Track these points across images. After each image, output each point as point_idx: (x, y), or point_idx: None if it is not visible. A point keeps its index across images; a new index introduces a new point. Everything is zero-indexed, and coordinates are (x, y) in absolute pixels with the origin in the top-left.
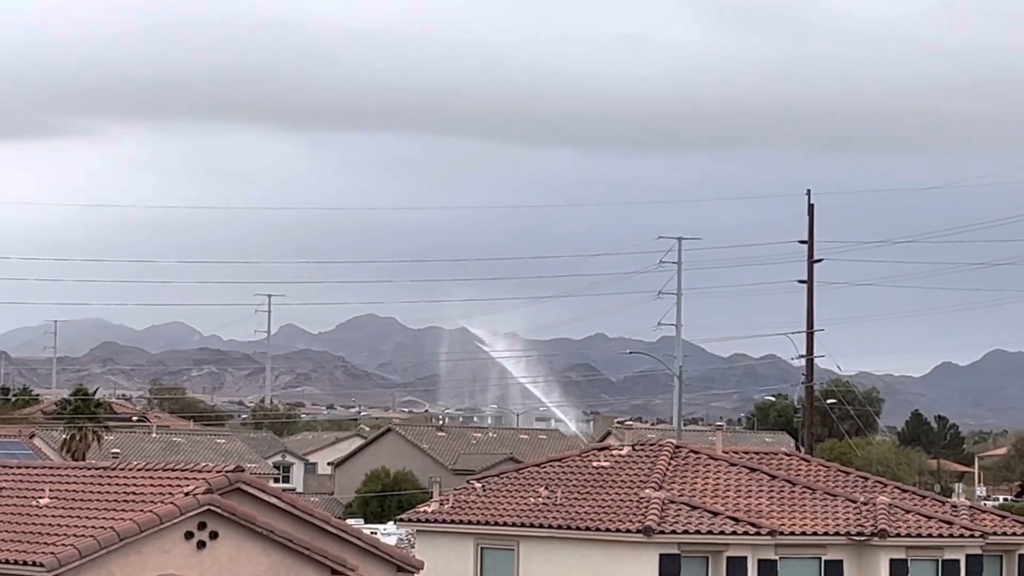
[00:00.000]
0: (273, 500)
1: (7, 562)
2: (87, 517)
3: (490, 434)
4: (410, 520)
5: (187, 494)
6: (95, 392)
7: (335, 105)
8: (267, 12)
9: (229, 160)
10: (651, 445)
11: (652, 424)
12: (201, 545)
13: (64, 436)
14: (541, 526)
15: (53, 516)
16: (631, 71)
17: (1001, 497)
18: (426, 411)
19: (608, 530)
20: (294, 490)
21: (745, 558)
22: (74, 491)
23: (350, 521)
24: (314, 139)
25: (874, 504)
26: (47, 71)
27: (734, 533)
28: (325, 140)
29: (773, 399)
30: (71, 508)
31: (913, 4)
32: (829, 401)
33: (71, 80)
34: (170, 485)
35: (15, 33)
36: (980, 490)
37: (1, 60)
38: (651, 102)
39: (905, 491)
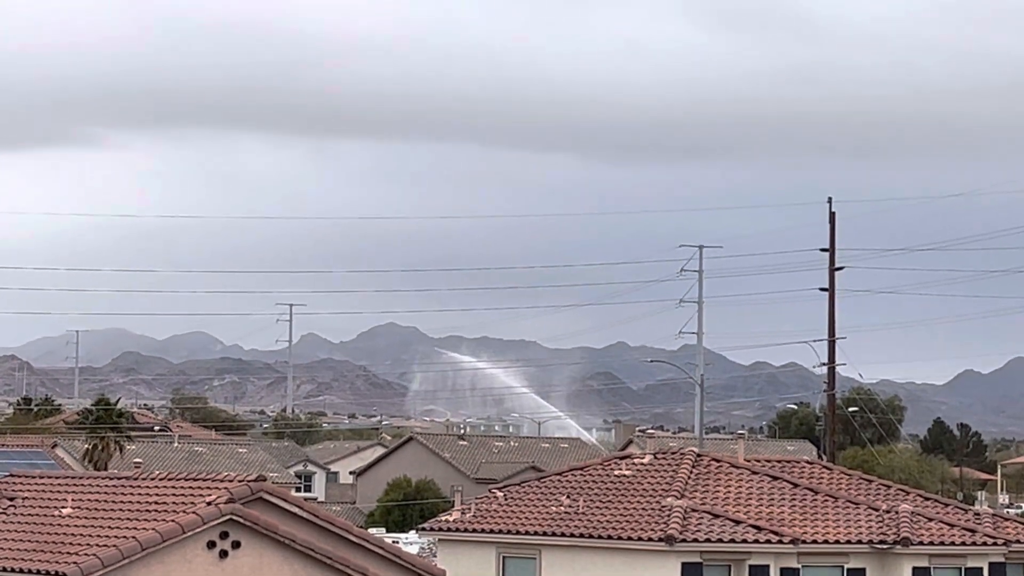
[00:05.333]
0: (295, 509)
1: (30, 572)
2: (109, 527)
3: (512, 443)
4: (432, 529)
5: (209, 504)
6: (117, 402)
7: (342, 113)
8: (273, 19)
9: (237, 168)
10: (673, 453)
11: (674, 432)
12: (223, 554)
13: (86, 446)
14: (563, 535)
15: (75, 526)
16: (643, 78)
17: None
18: (447, 420)
19: (630, 539)
20: (316, 499)
21: (767, 566)
22: (96, 501)
23: (372, 530)
24: (321, 147)
25: (896, 512)
26: (52, 80)
27: (756, 541)
28: (332, 148)
29: (795, 407)
30: (93, 518)
31: (927, 7)
32: (851, 409)
33: (76, 89)
34: (192, 495)
35: (19, 42)
36: (1003, 498)
37: (6, 69)
38: (664, 108)
39: (927, 499)
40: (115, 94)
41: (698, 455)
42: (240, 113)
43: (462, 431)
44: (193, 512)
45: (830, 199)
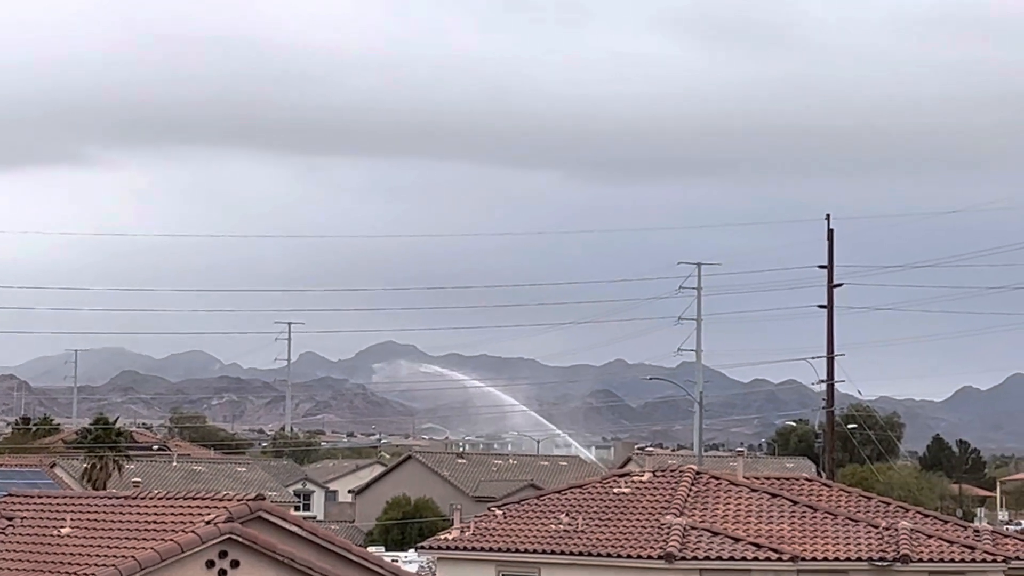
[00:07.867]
0: (294, 528)
1: None
2: (108, 547)
3: (510, 461)
4: (431, 547)
5: (208, 523)
6: (116, 421)
7: (334, 130)
8: (264, 37)
9: (229, 186)
10: (672, 471)
11: (673, 450)
12: (222, 574)
13: (85, 465)
14: (562, 552)
15: (74, 546)
16: (635, 93)
17: (1023, 521)
18: (446, 438)
19: (629, 556)
20: (315, 518)
21: None
22: (95, 520)
23: (371, 549)
24: (312, 164)
25: (896, 529)
26: (44, 98)
27: (756, 559)
28: (324, 165)
29: (794, 424)
30: (92, 538)
31: (920, 19)
32: (850, 426)
33: (69, 107)
34: (191, 514)
35: (10, 59)
36: (1002, 514)
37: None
38: (657, 124)
39: (927, 516)
40: (108, 112)
41: (697, 472)
42: (231, 130)
43: (461, 449)
44: (192, 531)
45: (828, 216)
